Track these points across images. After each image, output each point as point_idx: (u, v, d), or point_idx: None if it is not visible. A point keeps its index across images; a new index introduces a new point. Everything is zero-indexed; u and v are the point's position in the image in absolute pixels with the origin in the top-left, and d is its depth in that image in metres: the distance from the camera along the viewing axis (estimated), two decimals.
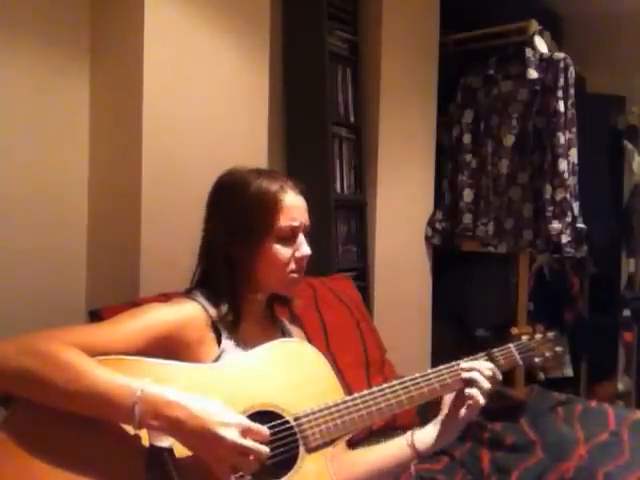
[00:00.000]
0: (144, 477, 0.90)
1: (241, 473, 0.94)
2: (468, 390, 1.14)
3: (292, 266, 1.15)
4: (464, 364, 1.18)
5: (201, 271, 1.20)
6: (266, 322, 1.25)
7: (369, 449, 1.23)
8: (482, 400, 1.13)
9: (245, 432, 0.92)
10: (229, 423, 0.91)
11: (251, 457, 0.91)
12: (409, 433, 1.19)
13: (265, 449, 0.93)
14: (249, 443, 0.91)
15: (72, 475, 0.88)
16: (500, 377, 1.19)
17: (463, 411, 1.15)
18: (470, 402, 1.14)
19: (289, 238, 1.15)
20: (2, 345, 0.93)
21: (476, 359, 1.21)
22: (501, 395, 1.94)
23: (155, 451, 0.91)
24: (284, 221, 1.13)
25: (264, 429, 0.96)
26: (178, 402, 0.90)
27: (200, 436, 0.90)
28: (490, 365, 1.18)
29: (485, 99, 2.83)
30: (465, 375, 1.16)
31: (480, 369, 1.16)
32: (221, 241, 1.15)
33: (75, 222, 1.83)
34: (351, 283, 2.24)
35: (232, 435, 0.90)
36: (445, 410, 1.18)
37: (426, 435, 1.18)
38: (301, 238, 1.16)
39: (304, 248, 1.16)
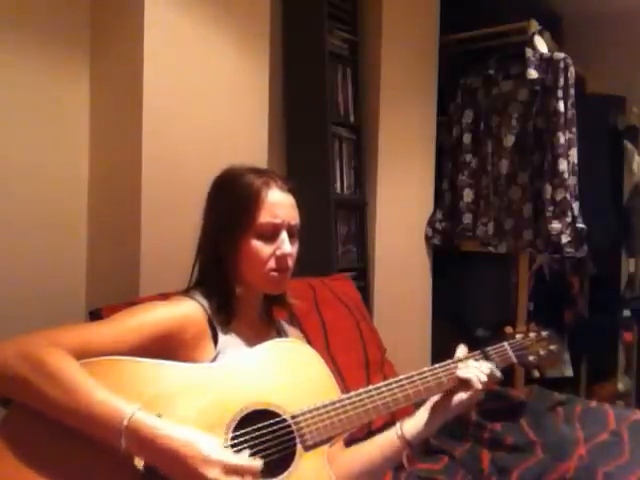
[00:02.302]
0: None
1: None
2: (472, 383, 1.14)
3: (272, 264, 1.14)
4: (461, 364, 1.18)
5: (199, 269, 1.20)
6: (262, 322, 1.25)
7: (362, 445, 1.22)
8: (481, 393, 1.14)
9: (228, 471, 0.89)
10: (211, 461, 0.89)
11: None
12: (398, 425, 1.19)
13: None
14: None
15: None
16: (499, 374, 1.19)
17: (459, 404, 1.15)
18: (471, 393, 1.14)
19: (270, 236, 1.13)
20: (1, 348, 0.93)
21: (471, 357, 1.21)
22: (501, 395, 1.94)
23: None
24: (264, 217, 1.12)
25: (254, 463, 0.93)
26: (162, 436, 0.89)
27: (182, 472, 0.89)
28: (489, 365, 1.18)
29: (485, 99, 2.83)
30: (462, 375, 1.16)
31: (476, 366, 1.17)
32: (211, 237, 1.16)
33: (75, 222, 1.83)
34: (351, 283, 2.24)
35: (213, 475, 0.88)
36: (435, 400, 1.18)
37: (414, 424, 1.17)
38: (283, 236, 1.14)
39: (285, 246, 1.14)
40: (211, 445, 0.91)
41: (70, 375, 0.91)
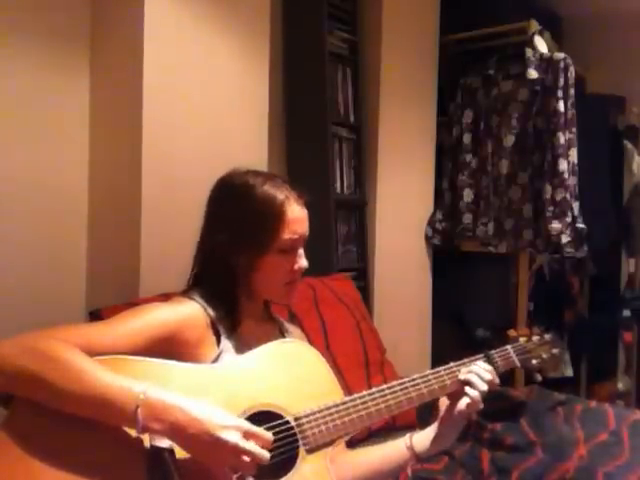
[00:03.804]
0: (146, 477, 0.90)
1: (241, 474, 0.94)
2: (467, 391, 1.14)
3: (287, 278, 1.16)
4: (464, 367, 1.18)
5: (198, 272, 1.20)
6: (264, 322, 1.25)
7: (368, 450, 1.23)
8: (480, 402, 1.14)
9: (246, 435, 0.92)
10: (229, 426, 0.91)
11: (251, 460, 0.91)
12: (408, 435, 1.19)
13: (265, 453, 0.93)
14: (249, 446, 0.91)
15: (73, 475, 0.88)
16: (497, 381, 1.19)
17: (460, 412, 1.15)
18: (468, 402, 1.14)
19: (289, 250, 1.15)
20: (2, 345, 0.92)
21: (475, 360, 1.21)
22: (501, 395, 1.94)
23: (156, 451, 0.91)
24: (287, 234, 1.13)
25: (266, 433, 0.95)
26: (178, 406, 0.90)
27: (200, 439, 0.90)
28: (489, 368, 1.18)
29: (485, 99, 2.83)
30: (462, 377, 1.16)
31: (479, 372, 1.16)
32: (223, 247, 1.14)
33: (75, 222, 1.83)
34: (351, 283, 2.24)
35: (233, 438, 0.90)
36: (442, 412, 1.18)
37: (424, 437, 1.18)
38: (301, 251, 1.16)
39: (303, 261, 1.16)
40: (225, 413, 0.93)
41: (78, 362, 0.91)
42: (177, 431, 0.90)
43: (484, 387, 1.15)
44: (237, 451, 0.90)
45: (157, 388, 0.92)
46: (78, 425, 0.91)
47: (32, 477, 0.87)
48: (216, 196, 1.19)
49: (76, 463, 0.89)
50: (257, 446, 0.92)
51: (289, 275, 1.16)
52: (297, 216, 1.15)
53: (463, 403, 1.14)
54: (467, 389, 1.15)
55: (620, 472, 1.53)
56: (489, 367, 1.19)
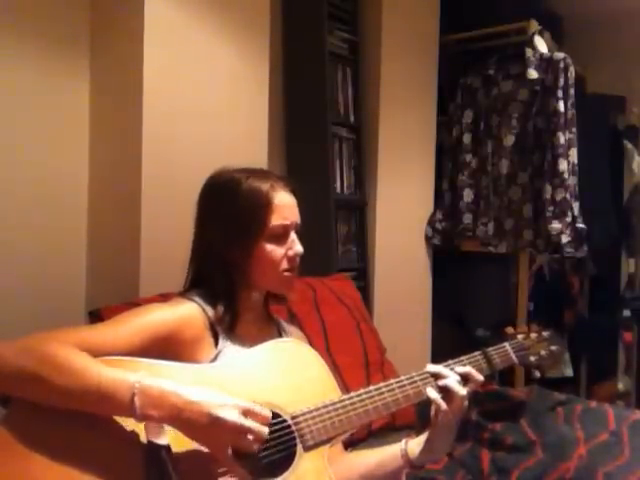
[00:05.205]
0: (143, 474, 0.90)
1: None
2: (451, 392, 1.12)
3: (285, 265, 1.16)
4: (459, 365, 1.16)
5: (195, 272, 1.20)
6: (263, 322, 1.25)
7: (365, 454, 1.22)
8: (465, 402, 1.12)
9: (245, 412, 0.93)
10: (227, 404, 0.92)
11: (250, 437, 0.92)
12: (404, 441, 1.17)
13: (264, 429, 0.93)
14: (249, 422, 0.92)
15: (71, 473, 0.88)
16: (481, 378, 1.17)
17: (445, 416, 1.11)
18: (444, 409, 1.11)
19: (281, 237, 1.15)
20: (2, 347, 0.93)
21: (472, 358, 1.21)
22: (501, 395, 1.94)
23: (153, 448, 0.91)
24: (276, 220, 1.14)
25: (265, 410, 0.96)
26: (174, 391, 0.91)
27: (200, 421, 0.90)
28: (457, 378, 1.14)
29: (485, 99, 2.83)
30: (440, 383, 1.13)
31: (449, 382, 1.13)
32: (216, 243, 1.15)
33: (75, 222, 1.83)
34: (351, 283, 2.24)
35: (232, 415, 0.91)
36: (432, 417, 1.15)
37: (418, 445, 1.15)
38: (293, 236, 1.17)
39: (297, 246, 1.17)
40: (221, 394, 0.94)
41: (75, 360, 0.92)
42: (175, 416, 0.90)
43: (463, 392, 1.12)
44: (237, 429, 0.91)
45: (152, 377, 0.92)
46: (76, 422, 0.91)
47: (31, 474, 0.88)
48: (204, 195, 1.20)
49: (75, 459, 0.90)
50: (256, 423, 0.93)
51: (285, 262, 1.16)
52: (285, 202, 1.16)
53: (449, 407, 1.12)
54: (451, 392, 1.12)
55: (620, 472, 1.53)
56: (457, 377, 1.14)
